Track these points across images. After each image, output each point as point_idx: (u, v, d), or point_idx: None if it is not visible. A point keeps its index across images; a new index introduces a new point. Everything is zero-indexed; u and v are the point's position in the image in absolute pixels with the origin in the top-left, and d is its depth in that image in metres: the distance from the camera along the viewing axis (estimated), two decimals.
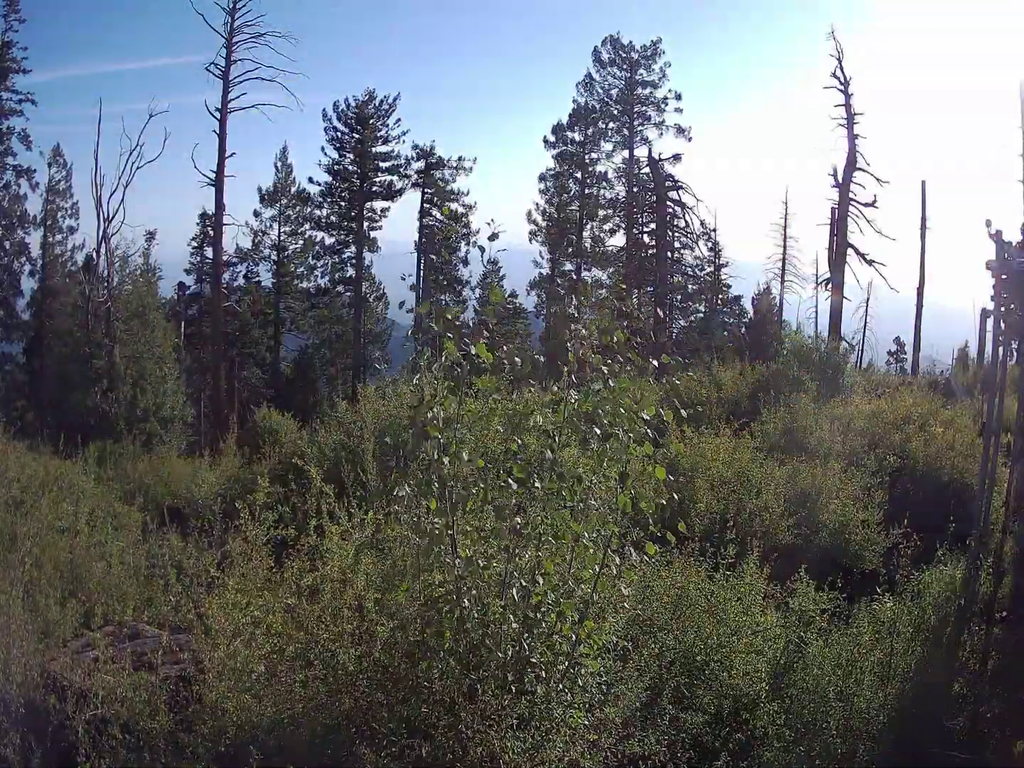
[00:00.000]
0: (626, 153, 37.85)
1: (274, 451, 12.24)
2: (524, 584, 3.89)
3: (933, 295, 32.05)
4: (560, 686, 3.92)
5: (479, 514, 3.97)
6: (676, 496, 3.82)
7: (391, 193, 36.13)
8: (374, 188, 35.90)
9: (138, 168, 23.15)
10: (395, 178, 36.15)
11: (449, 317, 3.73)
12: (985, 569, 5.47)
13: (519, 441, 3.94)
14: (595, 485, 3.92)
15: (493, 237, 4.45)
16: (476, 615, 3.86)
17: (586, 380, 3.88)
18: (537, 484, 3.77)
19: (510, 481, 3.80)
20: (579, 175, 37.57)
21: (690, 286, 35.82)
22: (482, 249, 34.75)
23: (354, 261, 35.88)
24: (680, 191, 34.34)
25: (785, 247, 35.61)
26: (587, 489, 3.89)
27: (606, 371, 3.84)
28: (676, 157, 35.49)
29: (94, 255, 23.44)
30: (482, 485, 3.86)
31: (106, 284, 22.08)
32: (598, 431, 3.80)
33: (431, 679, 3.87)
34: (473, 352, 3.68)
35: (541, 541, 3.89)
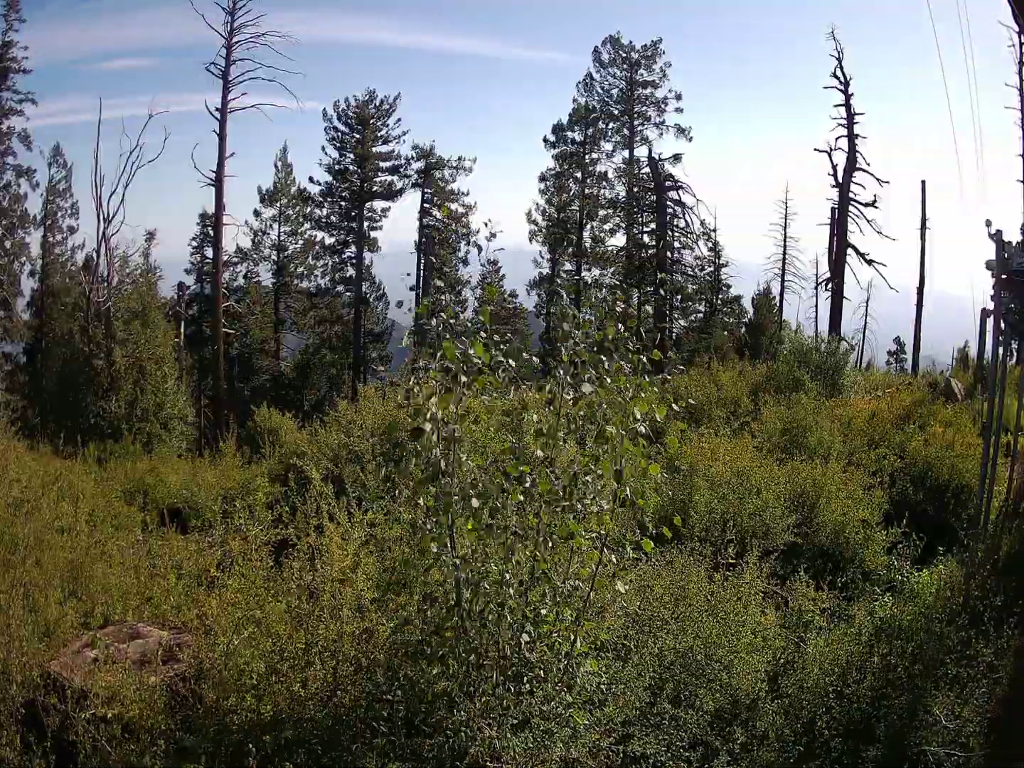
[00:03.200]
0: (626, 153, 37.89)
1: (274, 451, 12.27)
2: (522, 583, 3.89)
3: (934, 294, 32.11)
4: (560, 686, 3.92)
5: (477, 514, 3.98)
6: (672, 494, 3.82)
7: (391, 193, 36.15)
8: (374, 188, 35.90)
9: (138, 168, 23.09)
10: (395, 178, 36.22)
11: (445, 317, 3.73)
12: (984, 568, 5.48)
13: (513, 440, 3.94)
14: (591, 483, 3.92)
15: (491, 237, 4.44)
16: (475, 615, 3.86)
17: (581, 380, 3.88)
18: (528, 478, 3.77)
19: (506, 481, 3.80)
20: (579, 175, 37.56)
21: (690, 286, 35.79)
22: (479, 248, 34.68)
23: (354, 261, 35.88)
24: (680, 191, 34.32)
25: (785, 247, 35.61)
26: (583, 487, 3.90)
27: (595, 371, 3.85)
28: (676, 157, 35.47)
29: (94, 255, 23.42)
30: (480, 485, 3.86)
31: (106, 284, 22.07)
32: (592, 428, 3.81)
33: (431, 679, 3.87)
34: (471, 352, 3.69)
35: (539, 540, 3.89)
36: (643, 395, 3.85)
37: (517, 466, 3.80)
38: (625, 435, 3.82)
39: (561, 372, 3.87)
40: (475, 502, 3.69)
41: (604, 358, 3.87)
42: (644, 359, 3.96)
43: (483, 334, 3.78)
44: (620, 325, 3.92)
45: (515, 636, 3.85)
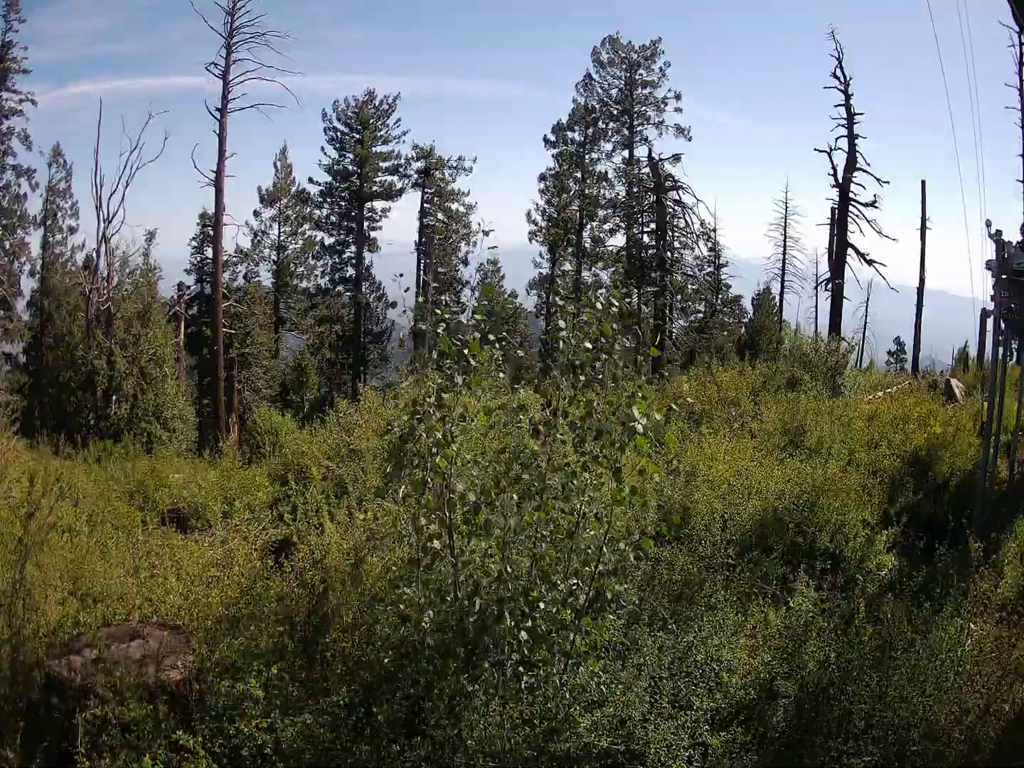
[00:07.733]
0: (626, 153, 37.84)
1: (274, 451, 12.27)
2: (521, 582, 3.89)
3: (934, 294, 32.09)
4: (560, 685, 3.92)
5: (476, 512, 3.97)
6: (672, 494, 3.81)
7: (391, 193, 36.14)
8: (374, 188, 35.88)
9: (138, 168, 23.17)
10: (395, 178, 36.22)
11: (440, 315, 3.74)
12: (984, 566, 5.48)
13: (510, 439, 3.94)
14: (590, 482, 3.91)
15: (485, 234, 4.44)
16: (474, 613, 3.86)
17: (579, 381, 3.87)
18: (526, 476, 3.76)
19: (503, 479, 3.79)
20: (579, 175, 37.54)
21: (690, 286, 35.78)
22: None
23: (354, 261, 35.88)
24: (680, 191, 34.32)
25: (785, 247, 35.59)
26: (582, 486, 3.89)
27: (596, 371, 3.84)
28: (676, 157, 35.44)
29: (94, 255, 23.45)
30: (477, 484, 3.86)
31: (106, 284, 22.07)
32: (590, 428, 3.80)
33: (431, 678, 3.87)
34: (467, 351, 3.69)
35: (537, 539, 3.89)
36: (641, 394, 3.84)
37: (513, 464, 3.79)
38: (624, 434, 3.81)
39: (558, 373, 3.87)
40: (471, 496, 3.68)
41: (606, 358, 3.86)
42: (642, 358, 3.96)
43: (477, 332, 3.77)
44: (615, 325, 3.90)
45: (514, 635, 3.84)
